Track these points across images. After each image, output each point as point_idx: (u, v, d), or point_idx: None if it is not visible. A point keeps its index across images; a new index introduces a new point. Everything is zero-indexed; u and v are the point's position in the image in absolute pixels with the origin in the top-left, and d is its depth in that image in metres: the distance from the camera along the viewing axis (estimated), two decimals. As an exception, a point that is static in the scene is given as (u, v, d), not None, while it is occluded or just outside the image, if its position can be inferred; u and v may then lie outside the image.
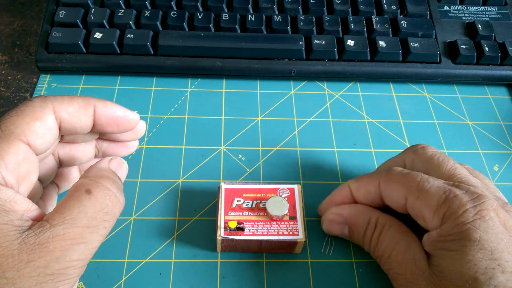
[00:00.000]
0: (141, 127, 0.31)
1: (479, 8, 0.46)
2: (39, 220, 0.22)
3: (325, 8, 0.43)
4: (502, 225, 0.24)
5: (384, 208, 0.29)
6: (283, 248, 0.30)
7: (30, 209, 0.22)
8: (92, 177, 0.24)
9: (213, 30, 0.41)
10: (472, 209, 0.24)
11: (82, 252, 0.21)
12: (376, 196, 0.29)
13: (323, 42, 0.41)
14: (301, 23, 0.42)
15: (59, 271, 0.20)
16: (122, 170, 0.28)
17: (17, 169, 0.22)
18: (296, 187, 0.31)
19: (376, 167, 0.36)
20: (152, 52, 0.40)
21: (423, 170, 0.28)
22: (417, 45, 0.41)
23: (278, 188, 0.31)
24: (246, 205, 0.30)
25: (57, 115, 0.25)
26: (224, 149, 0.37)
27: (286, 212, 0.30)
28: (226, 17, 0.41)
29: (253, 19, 0.42)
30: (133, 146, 0.33)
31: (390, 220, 0.28)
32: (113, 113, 0.27)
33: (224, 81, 0.42)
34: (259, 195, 0.31)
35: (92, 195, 0.23)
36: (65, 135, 0.28)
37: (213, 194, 0.34)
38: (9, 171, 0.22)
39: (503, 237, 0.23)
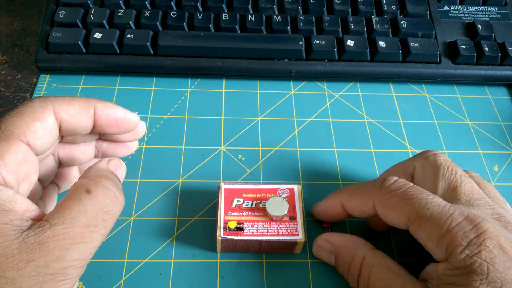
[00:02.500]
0: (141, 128, 0.31)
1: (479, 8, 0.46)
2: (39, 220, 0.22)
3: (325, 8, 0.43)
4: (508, 252, 0.22)
5: None
6: (283, 249, 0.30)
7: (30, 209, 0.22)
8: (92, 177, 0.24)
9: (213, 30, 0.41)
10: (475, 239, 0.23)
11: (82, 252, 0.21)
12: (371, 213, 0.28)
13: (323, 42, 0.40)
14: (301, 23, 0.42)
15: (59, 271, 0.20)
16: (121, 170, 0.28)
17: (17, 169, 0.22)
18: (296, 187, 0.31)
19: (376, 167, 0.36)
20: (152, 52, 0.40)
21: (431, 177, 0.28)
22: (417, 45, 0.41)
23: (278, 188, 0.31)
24: (245, 205, 0.30)
25: (57, 116, 0.25)
26: (224, 149, 0.37)
27: (286, 212, 0.30)
28: (226, 17, 0.41)
29: (253, 19, 0.42)
30: (133, 146, 0.33)
31: (379, 260, 0.27)
32: (114, 114, 0.27)
33: (224, 81, 0.42)
34: (258, 195, 0.31)
35: (92, 195, 0.23)
36: (65, 136, 0.28)
37: (213, 194, 0.34)
38: (9, 171, 0.22)
39: (510, 265, 0.22)
